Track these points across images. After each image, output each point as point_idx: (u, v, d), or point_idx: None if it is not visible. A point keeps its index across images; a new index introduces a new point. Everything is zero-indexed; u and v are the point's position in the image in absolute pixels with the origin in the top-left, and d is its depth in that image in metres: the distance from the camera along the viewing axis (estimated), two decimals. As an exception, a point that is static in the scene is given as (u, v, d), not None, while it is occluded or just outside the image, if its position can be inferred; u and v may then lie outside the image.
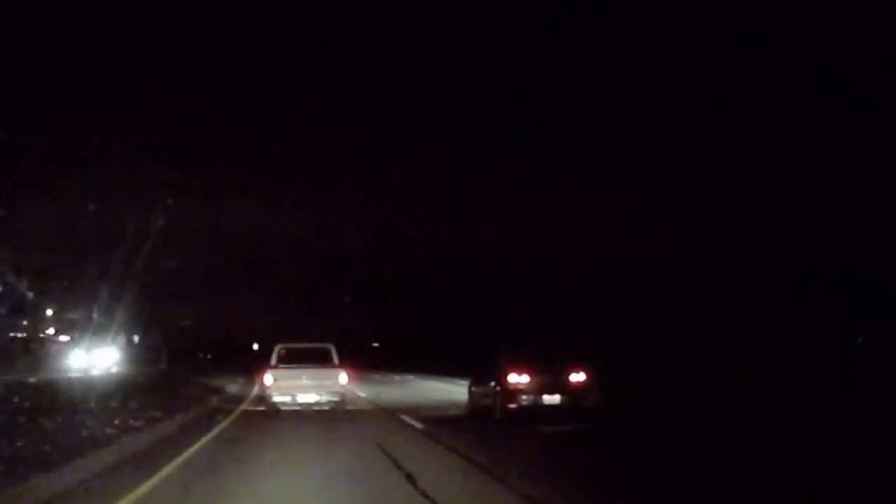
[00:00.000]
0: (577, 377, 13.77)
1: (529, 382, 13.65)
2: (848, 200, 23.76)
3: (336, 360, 16.37)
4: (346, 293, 57.06)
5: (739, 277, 24.69)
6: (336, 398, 15.84)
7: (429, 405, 18.27)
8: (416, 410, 16.30)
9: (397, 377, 35.02)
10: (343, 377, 15.94)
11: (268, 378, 15.93)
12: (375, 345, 58.24)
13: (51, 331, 63.56)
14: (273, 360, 16.40)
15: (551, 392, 13.60)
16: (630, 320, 25.93)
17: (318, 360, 16.44)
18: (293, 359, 16.47)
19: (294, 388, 15.79)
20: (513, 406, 13.56)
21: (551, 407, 13.52)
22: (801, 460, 8.86)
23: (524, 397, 13.58)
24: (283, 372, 15.98)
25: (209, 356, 53.51)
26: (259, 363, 19.25)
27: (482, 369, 15.07)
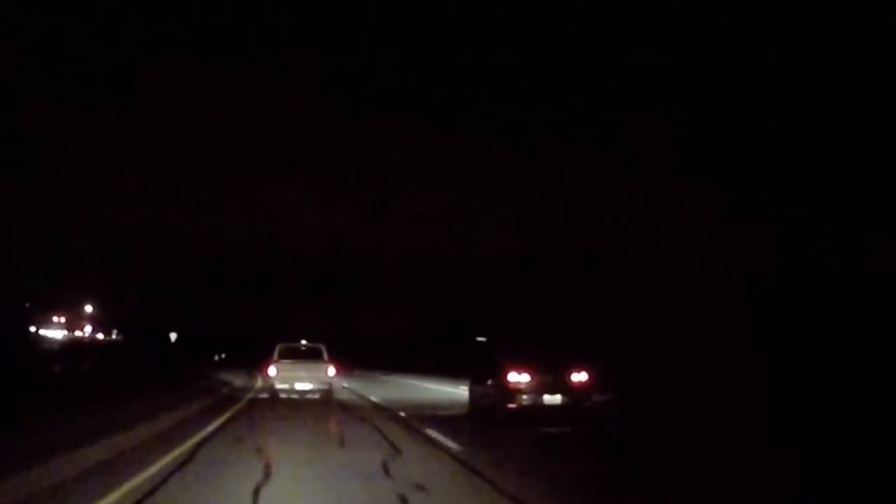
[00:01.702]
0: (579, 377, 13.58)
1: (530, 382, 13.45)
2: (848, 200, 23.77)
3: (325, 357, 19.58)
4: (346, 292, 57.12)
5: (740, 276, 24.69)
6: (325, 386, 19.11)
7: (434, 405, 18.29)
8: (418, 411, 16.32)
9: (403, 379, 34.86)
10: (331, 370, 19.26)
11: (272, 370, 19.31)
12: (481, 339, 55.59)
13: (88, 328, 63.44)
14: (275, 356, 19.61)
15: (552, 392, 13.36)
16: (630, 320, 25.90)
17: (312, 356, 19.80)
18: (291, 355, 19.82)
19: (292, 378, 19.12)
20: (513, 406, 13.32)
21: (552, 407, 13.31)
22: (801, 460, 8.87)
23: (524, 397, 13.34)
24: (283, 365, 19.31)
25: (223, 356, 53.24)
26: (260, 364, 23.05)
27: (482, 368, 14.96)
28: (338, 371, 20.16)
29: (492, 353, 15.03)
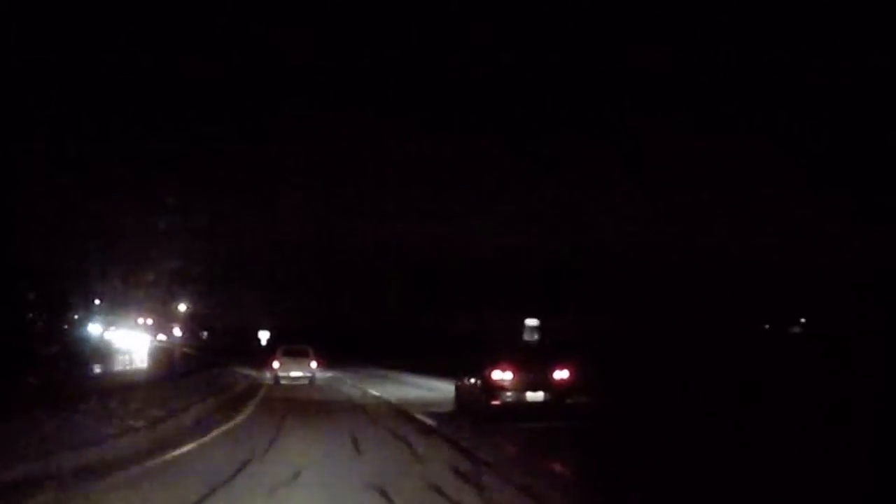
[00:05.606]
0: (561, 374, 13.67)
1: (513, 379, 13.56)
2: (848, 199, 23.68)
3: (311, 355, 26.69)
4: (346, 290, 57.03)
5: (740, 276, 24.61)
6: (310, 374, 26.39)
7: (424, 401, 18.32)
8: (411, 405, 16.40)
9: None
10: (314, 363, 26.72)
11: (275, 363, 26.59)
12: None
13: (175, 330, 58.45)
14: (278, 354, 26.96)
15: (534, 389, 13.49)
16: (625, 319, 25.90)
17: (302, 354, 26.73)
18: (288, 353, 26.86)
19: (289, 368, 26.36)
20: (496, 403, 13.44)
21: (535, 404, 13.41)
22: (771, 457, 8.81)
23: (508, 394, 13.47)
24: (283, 359, 26.52)
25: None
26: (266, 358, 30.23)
27: (467, 366, 15.06)
28: (320, 364, 27.57)
29: (477, 350, 15.06)
